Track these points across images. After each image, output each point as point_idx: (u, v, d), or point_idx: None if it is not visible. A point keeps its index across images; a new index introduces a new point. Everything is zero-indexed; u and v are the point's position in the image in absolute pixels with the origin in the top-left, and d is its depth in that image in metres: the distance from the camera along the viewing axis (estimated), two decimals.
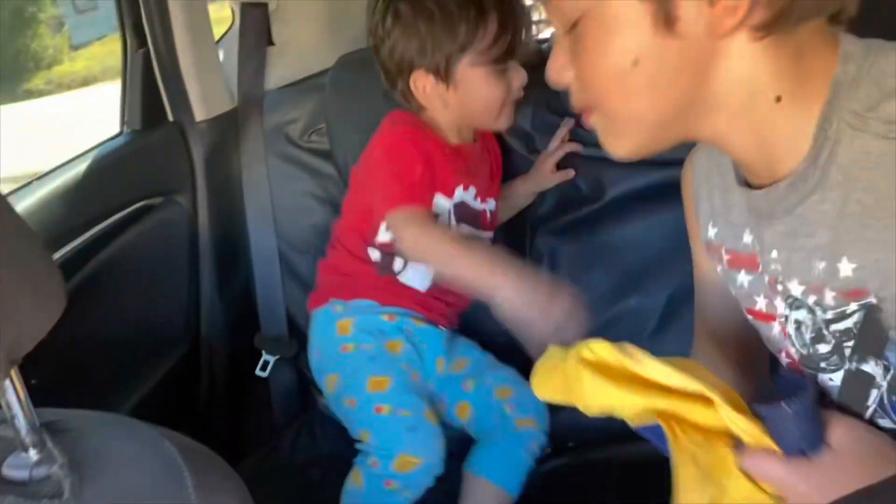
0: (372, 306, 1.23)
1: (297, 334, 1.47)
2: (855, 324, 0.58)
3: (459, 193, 1.20)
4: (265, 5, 1.46)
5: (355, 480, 1.17)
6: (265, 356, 1.47)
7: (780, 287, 0.64)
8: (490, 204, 1.27)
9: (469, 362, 1.29)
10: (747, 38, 0.56)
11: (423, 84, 1.13)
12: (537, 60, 1.35)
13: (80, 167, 1.22)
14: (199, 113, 1.37)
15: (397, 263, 1.23)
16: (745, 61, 0.57)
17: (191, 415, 1.43)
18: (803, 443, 0.59)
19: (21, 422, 0.54)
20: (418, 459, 1.12)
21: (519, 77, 1.16)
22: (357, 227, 1.25)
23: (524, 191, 1.36)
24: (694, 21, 0.55)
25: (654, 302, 1.32)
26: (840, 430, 0.58)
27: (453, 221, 1.20)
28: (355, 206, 1.27)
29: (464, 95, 1.14)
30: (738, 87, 0.59)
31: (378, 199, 1.15)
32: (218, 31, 1.51)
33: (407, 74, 1.13)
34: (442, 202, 1.19)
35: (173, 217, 1.37)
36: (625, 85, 0.59)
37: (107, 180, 1.26)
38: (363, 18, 1.71)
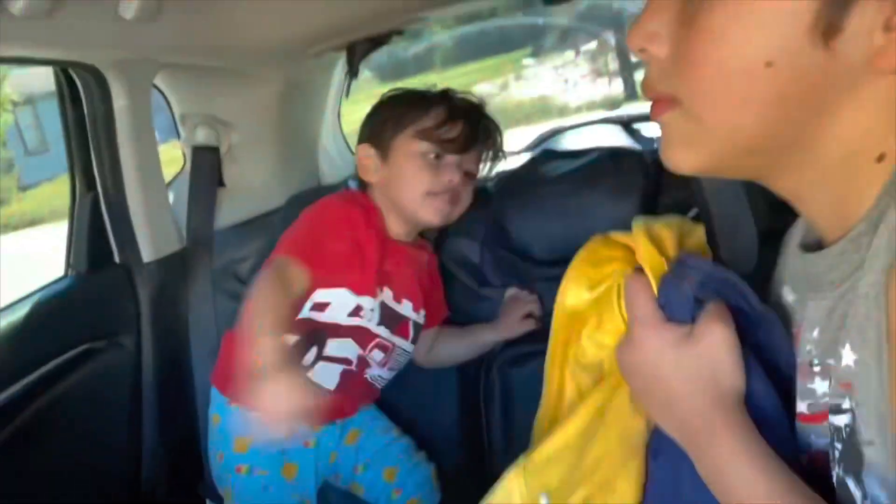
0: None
1: None
2: (845, 426, 0.49)
3: (378, 293, 1.21)
4: (216, 148, 1.49)
5: None
6: None
7: (817, 368, 0.54)
8: (414, 314, 1.27)
9: (360, 434, 1.31)
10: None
11: (365, 155, 1.23)
12: (485, 198, 1.41)
13: (23, 310, 1.20)
14: (147, 254, 1.36)
15: (310, 354, 1.19)
16: (877, 111, 0.47)
17: None
18: (677, 304, 0.57)
19: None
20: None
21: (450, 173, 1.19)
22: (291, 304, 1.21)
23: (490, 339, 1.37)
24: (857, 41, 0.44)
25: None
26: (713, 330, 0.54)
27: (376, 320, 1.20)
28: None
29: (392, 169, 1.20)
30: (852, 138, 0.49)
31: (284, 243, 1.16)
32: (169, 171, 1.53)
33: (357, 149, 1.25)
34: (368, 301, 1.19)
35: (116, 360, 1.33)
36: (741, 87, 0.47)
37: (49, 324, 1.23)
38: (313, 159, 1.77)
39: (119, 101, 1.24)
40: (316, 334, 1.19)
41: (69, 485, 1.21)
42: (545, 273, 1.38)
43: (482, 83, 9.47)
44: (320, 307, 1.18)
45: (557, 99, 8.29)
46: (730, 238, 1.06)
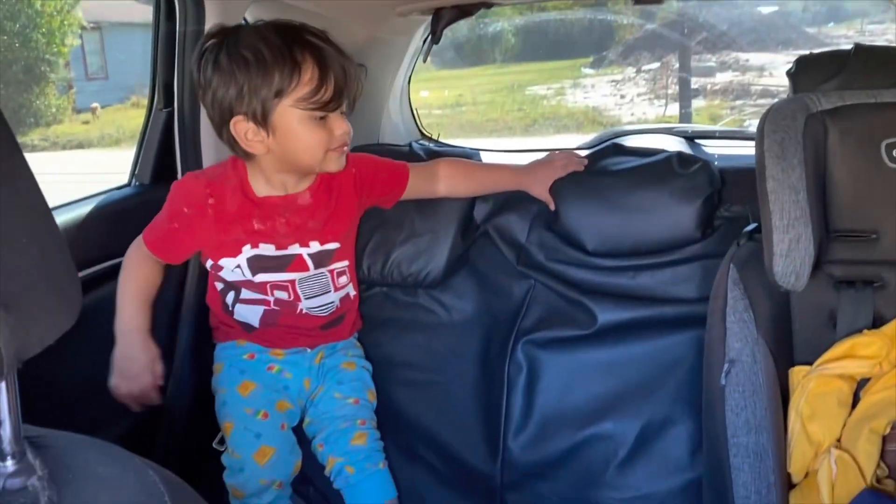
0: (233, 348, 1.35)
1: None
2: None
3: (248, 251, 1.26)
4: None
5: None
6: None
7: None
8: (305, 249, 1.29)
9: (325, 356, 1.37)
10: None
11: (243, 130, 1.16)
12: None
13: (84, 209, 1.23)
14: None
15: (229, 297, 1.32)
16: None
17: None
18: None
19: (7, 430, 0.52)
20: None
21: (341, 125, 1.20)
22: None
23: (506, 183, 1.46)
24: None
25: (627, 429, 1.33)
26: None
27: (248, 273, 1.28)
28: None
29: (283, 140, 1.17)
30: None
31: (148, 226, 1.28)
32: None
33: (228, 121, 1.16)
34: (228, 262, 1.27)
35: (162, 274, 1.36)
36: None
37: (106, 226, 1.27)
38: (377, 117, 1.79)
39: (211, 24, 1.27)
40: (233, 283, 1.31)
41: (94, 390, 1.23)
42: (591, 262, 1.39)
43: (538, 85, 9.46)
44: (217, 268, 1.29)
45: (611, 112, 8.26)
46: (786, 255, 1.07)
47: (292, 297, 1.31)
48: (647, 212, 1.34)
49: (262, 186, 1.25)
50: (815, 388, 1.07)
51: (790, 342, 1.13)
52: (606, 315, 1.39)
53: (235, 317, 1.33)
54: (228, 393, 1.32)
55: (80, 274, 1.20)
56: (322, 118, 1.17)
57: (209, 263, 1.29)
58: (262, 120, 1.15)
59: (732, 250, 1.17)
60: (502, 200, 1.49)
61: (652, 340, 1.34)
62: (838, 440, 1.05)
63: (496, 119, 8.75)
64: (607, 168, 1.41)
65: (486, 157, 1.69)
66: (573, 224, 1.39)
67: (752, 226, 1.20)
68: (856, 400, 1.07)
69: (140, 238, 1.27)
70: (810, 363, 1.09)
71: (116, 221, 1.29)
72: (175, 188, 1.26)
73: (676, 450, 1.30)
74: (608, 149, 1.47)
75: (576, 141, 1.84)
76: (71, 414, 1.17)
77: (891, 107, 1.09)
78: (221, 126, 1.18)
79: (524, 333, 1.42)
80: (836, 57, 1.20)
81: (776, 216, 1.06)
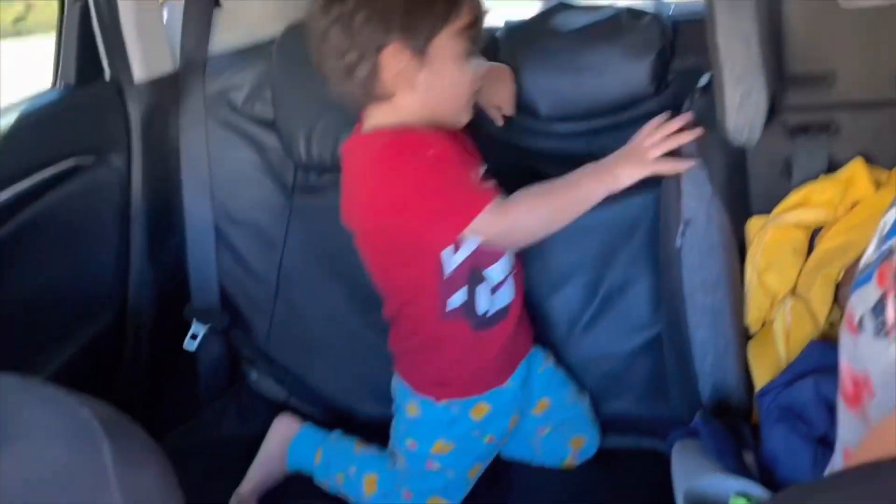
0: (466, 415, 1.17)
1: (229, 307, 1.44)
2: None
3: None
4: None
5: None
6: (195, 326, 1.42)
7: None
8: None
9: (547, 402, 1.28)
10: None
11: (396, 61, 1.00)
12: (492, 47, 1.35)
13: (8, 119, 1.16)
14: (139, 73, 1.32)
15: (480, 291, 1.10)
16: None
17: (112, 386, 1.37)
18: None
19: None
20: None
21: (479, 69, 1.10)
22: (419, 283, 1.11)
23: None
24: None
25: (588, 294, 1.34)
26: None
27: None
28: (402, 262, 1.11)
29: (436, 75, 1.02)
30: None
31: (444, 223, 1.03)
32: None
33: (376, 52, 0.99)
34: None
35: (105, 178, 1.32)
36: None
37: (36, 135, 1.21)
38: None
39: None
40: (472, 275, 1.09)
41: (52, 303, 1.21)
42: (546, 129, 1.36)
43: None
44: (456, 246, 1.07)
45: None
46: (738, 109, 1.04)
47: None
48: (599, 71, 1.29)
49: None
50: (771, 238, 1.07)
51: (747, 195, 1.12)
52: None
53: (489, 310, 1.12)
54: (457, 476, 1.20)
55: (11, 190, 1.15)
56: (470, 56, 1.05)
57: (467, 240, 1.06)
58: (420, 48, 1.00)
59: (686, 106, 1.14)
60: None
61: (609, 207, 1.32)
62: (793, 289, 1.06)
63: None
64: (556, 28, 1.34)
65: None
66: (525, 89, 1.34)
67: (704, 79, 1.16)
68: (811, 248, 1.08)
69: (486, 208, 1.00)
70: (768, 213, 1.09)
71: (45, 128, 1.22)
72: (390, 153, 1.04)
73: (637, 308, 1.31)
74: (556, 8, 1.40)
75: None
76: (39, 322, 1.17)
77: None
78: (360, 59, 0.99)
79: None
80: None
81: (727, 69, 1.01)
